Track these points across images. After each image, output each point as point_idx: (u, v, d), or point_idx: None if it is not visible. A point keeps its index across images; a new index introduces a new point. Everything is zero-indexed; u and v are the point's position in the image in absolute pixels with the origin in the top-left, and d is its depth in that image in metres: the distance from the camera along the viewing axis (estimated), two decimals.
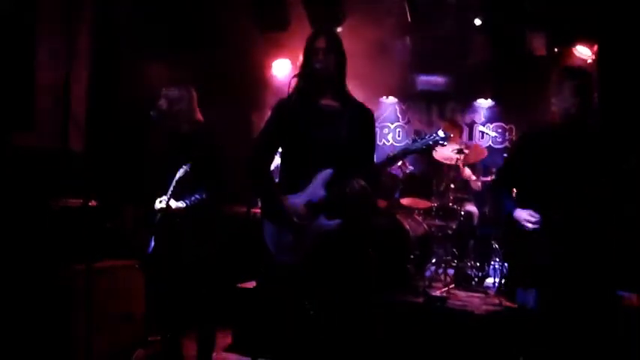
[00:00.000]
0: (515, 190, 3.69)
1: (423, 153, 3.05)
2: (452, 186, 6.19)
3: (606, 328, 3.40)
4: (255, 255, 4.69)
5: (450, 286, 5.66)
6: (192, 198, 3.90)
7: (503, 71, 7.13)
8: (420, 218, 6.02)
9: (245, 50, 7.07)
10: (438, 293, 5.32)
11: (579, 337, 3.27)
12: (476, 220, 6.26)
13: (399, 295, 5.03)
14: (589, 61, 6.57)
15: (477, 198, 6.44)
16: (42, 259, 4.29)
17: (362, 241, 3.06)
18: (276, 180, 3.11)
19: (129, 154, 5.53)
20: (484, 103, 7.89)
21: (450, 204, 6.13)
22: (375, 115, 3.11)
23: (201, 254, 3.97)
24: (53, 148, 4.83)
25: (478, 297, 5.36)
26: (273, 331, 3.07)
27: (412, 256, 5.38)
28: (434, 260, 6.08)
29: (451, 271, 6.00)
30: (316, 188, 2.88)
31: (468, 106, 7.98)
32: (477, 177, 6.41)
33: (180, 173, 3.89)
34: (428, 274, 5.91)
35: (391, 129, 8.30)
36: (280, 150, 3.16)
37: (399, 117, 8.33)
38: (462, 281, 5.88)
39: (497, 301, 5.08)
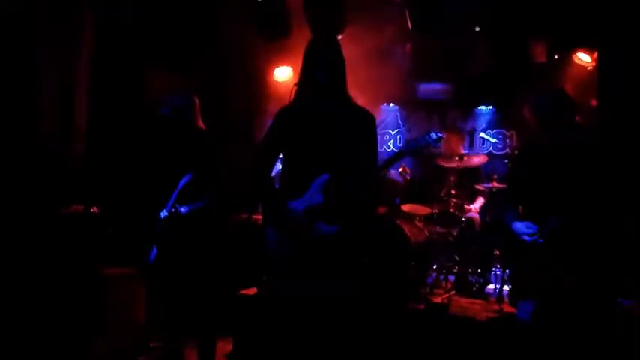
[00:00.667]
0: (520, 205, 3.72)
1: (417, 155, 3.08)
2: (453, 192, 6.20)
3: (606, 336, 3.41)
4: (256, 261, 4.71)
5: (451, 293, 5.66)
6: (194, 205, 3.92)
7: (504, 78, 7.14)
8: (421, 225, 6.03)
9: (246, 57, 7.10)
10: (439, 300, 5.32)
11: (578, 347, 3.28)
12: (477, 227, 6.26)
13: (400, 302, 5.03)
14: (589, 67, 6.59)
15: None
16: (46, 266, 4.30)
17: (360, 247, 3.07)
18: (277, 186, 3.12)
19: (130, 161, 5.54)
20: (485, 110, 7.91)
21: (451, 210, 6.13)
22: (377, 122, 3.12)
23: (202, 261, 3.98)
24: (54, 154, 4.85)
25: (479, 303, 5.36)
26: (274, 339, 3.07)
27: (413, 263, 5.38)
28: (435, 266, 6.08)
29: (452, 278, 6.00)
30: (314, 194, 2.89)
31: (468, 113, 7.99)
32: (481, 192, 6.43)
33: (182, 181, 3.91)
34: (429, 280, 5.91)
35: (392, 135, 8.31)
36: (281, 156, 3.18)
37: (400, 124, 8.34)
38: (463, 288, 5.88)
39: (498, 307, 5.08)
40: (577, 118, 3.52)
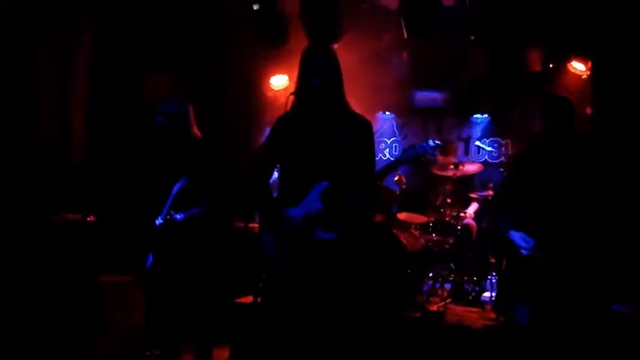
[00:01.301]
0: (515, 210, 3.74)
1: (414, 163, 3.08)
2: (448, 200, 6.21)
3: (603, 341, 3.42)
4: (252, 269, 4.70)
5: (447, 301, 5.66)
6: (190, 212, 3.91)
7: (500, 86, 7.17)
8: (417, 233, 6.03)
9: (243, 65, 7.11)
10: (435, 308, 5.32)
11: (575, 353, 3.29)
12: (474, 235, 6.27)
13: (396, 310, 5.02)
14: (584, 76, 6.62)
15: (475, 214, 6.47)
16: (45, 267, 4.29)
17: (358, 253, 3.08)
18: (274, 194, 3.14)
19: (127, 167, 5.53)
20: (480, 119, 7.93)
21: (447, 219, 6.14)
22: (372, 130, 3.13)
23: (199, 268, 3.97)
24: (54, 155, 4.84)
25: (475, 312, 5.36)
26: (273, 344, 3.07)
27: (409, 271, 5.39)
28: (431, 275, 6.08)
29: (448, 286, 6.00)
30: (313, 201, 2.90)
31: (464, 121, 8.01)
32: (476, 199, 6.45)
33: (177, 187, 3.91)
34: (425, 288, 5.91)
35: (388, 144, 8.32)
36: (279, 164, 3.19)
37: (395, 132, 8.35)
38: (459, 296, 5.88)
39: (494, 315, 5.08)
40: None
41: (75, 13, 5.41)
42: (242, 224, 6.04)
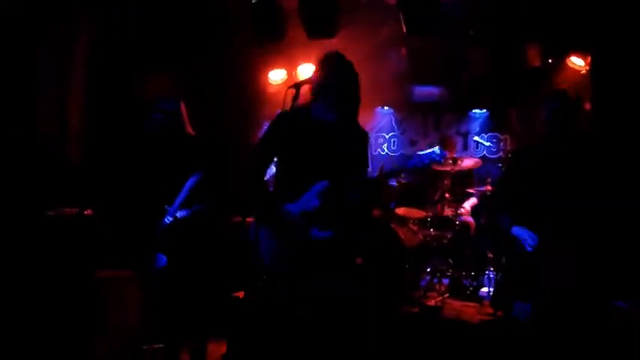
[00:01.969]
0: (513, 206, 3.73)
1: (420, 171, 3.07)
2: (447, 195, 6.21)
3: (602, 338, 3.42)
4: (247, 264, 4.70)
5: (445, 296, 5.67)
6: (191, 209, 3.92)
7: (499, 82, 7.16)
8: (415, 228, 6.04)
9: (241, 60, 7.09)
10: (432, 303, 5.32)
11: (574, 349, 3.29)
12: (472, 230, 6.28)
13: (394, 305, 5.03)
14: (583, 71, 6.62)
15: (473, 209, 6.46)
16: (45, 264, 4.29)
17: (352, 253, 3.08)
18: (271, 189, 3.14)
19: (126, 165, 5.53)
20: (479, 114, 7.92)
21: (445, 213, 6.14)
22: (371, 125, 3.14)
23: (199, 266, 3.98)
24: (54, 154, 4.84)
25: (472, 306, 5.37)
26: (266, 340, 3.07)
27: (407, 266, 5.39)
28: (429, 270, 6.09)
29: (446, 281, 6.01)
30: (311, 198, 2.90)
31: (463, 116, 8.00)
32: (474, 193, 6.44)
33: (189, 185, 3.92)
34: (423, 283, 5.92)
35: (386, 139, 8.30)
36: (276, 160, 3.19)
37: (394, 127, 8.33)
38: (457, 291, 5.89)
39: (491, 310, 5.09)
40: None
41: (74, 13, 5.40)
42: (239, 219, 6.04)
